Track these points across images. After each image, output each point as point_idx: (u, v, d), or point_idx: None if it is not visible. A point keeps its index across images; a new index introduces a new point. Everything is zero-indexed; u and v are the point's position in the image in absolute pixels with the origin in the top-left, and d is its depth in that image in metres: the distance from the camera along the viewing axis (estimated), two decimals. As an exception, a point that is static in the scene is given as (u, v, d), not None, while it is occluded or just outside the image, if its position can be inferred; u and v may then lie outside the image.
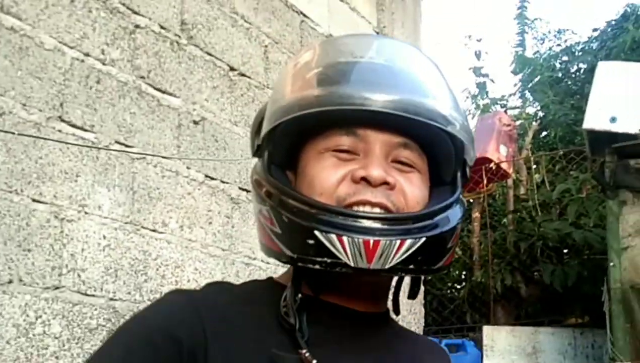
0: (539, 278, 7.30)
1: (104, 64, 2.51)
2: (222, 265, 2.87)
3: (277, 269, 3.12)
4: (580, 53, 11.29)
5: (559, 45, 12.11)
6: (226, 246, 2.91)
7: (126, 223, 2.52)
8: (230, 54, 3.07)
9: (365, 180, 0.99)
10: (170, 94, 2.76)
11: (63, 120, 2.37)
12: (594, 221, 6.67)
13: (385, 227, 0.96)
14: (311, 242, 0.95)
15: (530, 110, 11.36)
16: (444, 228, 1.00)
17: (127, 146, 2.56)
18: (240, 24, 3.12)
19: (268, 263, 3.09)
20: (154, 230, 2.62)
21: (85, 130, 2.44)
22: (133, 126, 2.60)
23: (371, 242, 0.93)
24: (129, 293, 2.50)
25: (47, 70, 2.33)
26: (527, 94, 11.50)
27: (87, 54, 2.46)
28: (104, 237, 2.44)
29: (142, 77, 2.65)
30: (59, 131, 2.35)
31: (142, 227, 2.58)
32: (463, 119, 1.03)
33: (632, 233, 4.50)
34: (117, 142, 2.53)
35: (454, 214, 1.04)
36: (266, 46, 3.27)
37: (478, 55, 11.19)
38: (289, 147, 1.07)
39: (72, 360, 2.29)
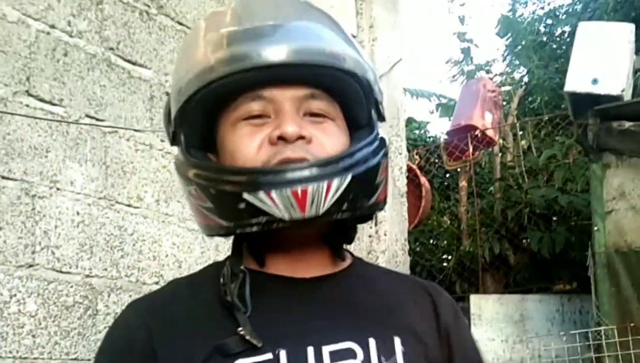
0: (527, 245, 7.30)
1: (70, 36, 2.45)
2: (200, 239, 2.83)
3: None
4: (564, 16, 11.23)
5: (542, 8, 12.05)
6: (204, 219, 2.86)
7: (100, 198, 2.48)
8: (202, 24, 3.00)
9: (281, 138, 1.00)
10: (141, 66, 2.70)
11: (30, 95, 2.32)
12: (580, 186, 6.65)
13: (310, 174, 0.97)
14: (242, 206, 0.97)
15: (516, 75, 11.30)
16: (368, 164, 1.02)
17: (97, 120, 2.51)
18: (212, -7, 3.05)
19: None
20: (129, 205, 2.58)
21: (54, 105, 2.38)
22: (103, 99, 2.54)
23: (299, 191, 0.95)
24: (106, 269, 2.47)
25: (12, 43, 2.27)
26: (512, 59, 11.45)
27: (52, 26, 2.39)
28: (78, 213, 2.40)
29: (111, 49, 2.59)
30: (27, 106, 2.30)
31: (117, 202, 2.54)
32: (359, 56, 1.05)
33: (616, 197, 4.47)
34: (87, 115, 2.48)
35: (377, 150, 1.05)
36: (240, 15, 3.20)
37: (462, 20, 11.09)
38: (203, 127, 1.07)
39: (50, 339, 2.27)
